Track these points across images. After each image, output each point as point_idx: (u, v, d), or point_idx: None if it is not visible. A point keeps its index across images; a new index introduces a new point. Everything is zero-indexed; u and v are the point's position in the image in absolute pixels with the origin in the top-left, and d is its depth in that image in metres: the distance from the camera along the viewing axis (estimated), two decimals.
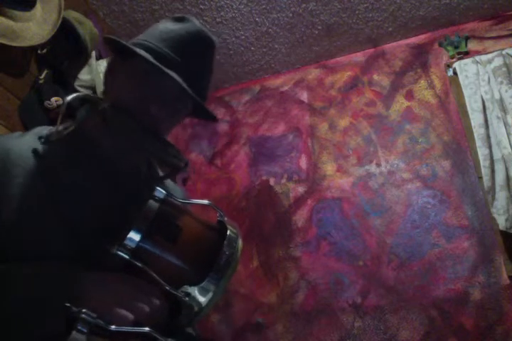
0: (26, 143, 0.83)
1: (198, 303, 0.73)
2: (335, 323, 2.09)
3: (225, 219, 0.83)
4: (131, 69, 0.86)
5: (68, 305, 0.66)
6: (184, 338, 0.76)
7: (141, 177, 0.92)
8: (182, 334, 0.77)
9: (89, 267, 0.73)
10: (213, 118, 0.95)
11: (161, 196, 0.77)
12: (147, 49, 0.84)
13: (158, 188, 0.77)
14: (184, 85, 0.82)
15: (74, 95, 0.89)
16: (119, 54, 0.89)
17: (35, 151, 0.82)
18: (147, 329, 0.69)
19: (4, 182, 0.77)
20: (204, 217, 0.82)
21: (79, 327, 0.66)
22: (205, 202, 0.83)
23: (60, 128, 0.86)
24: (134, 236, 0.72)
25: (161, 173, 0.95)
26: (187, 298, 0.73)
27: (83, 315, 0.66)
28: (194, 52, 0.87)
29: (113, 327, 0.67)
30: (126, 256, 0.71)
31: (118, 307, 0.69)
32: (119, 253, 0.71)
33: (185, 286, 0.75)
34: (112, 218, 0.78)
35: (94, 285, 0.71)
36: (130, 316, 0.69)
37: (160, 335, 0.70)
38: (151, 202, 0.75)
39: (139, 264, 0.72)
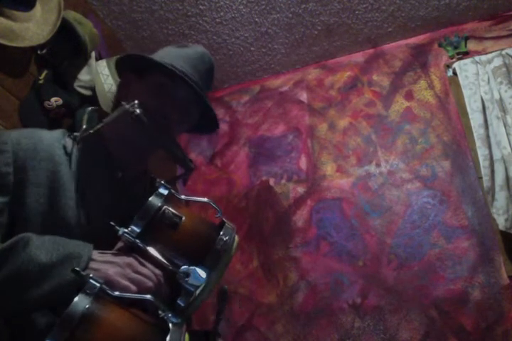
0: (55, 136, 0.96)
1: (195, 286, 0.80)
2: (334, 323, 2.08)
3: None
4: (152, 81, 0.99)
5: (77, 269, 0.72)
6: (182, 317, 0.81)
7: (148, 176, 1.08)
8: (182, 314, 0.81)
9: (97, 247, 0.82)
10: (216, 124, 1.09)
11: (165, 192, 0.86)
12: (166, 64, 0.97)
13: (162, 184, 0.87)
14: (201, 92, 0.98)
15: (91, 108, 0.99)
16: (134, 70, 1.02)
17: (63, 143, 0.94)
18: (149, 296, 0.75)
19: (34, 166, 0.88)
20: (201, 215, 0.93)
21: (86, 290, 0.70)
22: (204, 199, 0.93)
23: (86, 127, 0.97)
24: (139, 222, 0.81)
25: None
26: (186, 279, 0.79)
27: (91, 280, 0.71)
28: (201, 68, 1.03)
29: (117, 293, 0.73)
30: (131, 238, 0.79)
31: (122, 278, 0.77)
32: (125, 235, 0.79)
33: (185, 267, 0.81)
34: (120, 207, 0.90)
35: (101, 258, 0.79)
36: (133, 287, 0.76)
37: (161, 304, 0.77)
38: (156, 195, 0.85)
39: (142, 245, 0.80)
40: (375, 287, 2.09)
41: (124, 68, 1.06)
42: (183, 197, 0.90)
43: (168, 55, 1.03)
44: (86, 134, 0.94)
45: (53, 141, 0.95)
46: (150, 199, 0.83)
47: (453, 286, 1.99)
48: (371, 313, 2.05)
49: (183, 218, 0.85)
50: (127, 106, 0.90)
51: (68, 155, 0.93)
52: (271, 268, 2.29)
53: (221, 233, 0.87)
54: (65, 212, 0.87)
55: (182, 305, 0.80)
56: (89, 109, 1.06)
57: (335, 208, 2.31)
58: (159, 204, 0.84)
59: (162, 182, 0.87)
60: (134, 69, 1.03)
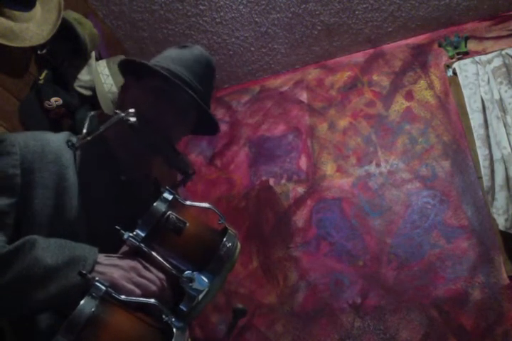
0: (62, 138, 0.97)
1: (198, 291, 0.81)
2: (335, 323, 2.08)
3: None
4: (148, 85, 1.01)
5: (84, 271, 0.73)
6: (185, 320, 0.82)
7: (152, 180, 1.09)
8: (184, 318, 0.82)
9: (102, 250, 0.82)
10: (216, 128, 1.10)
11: (170, 197, 0.87)
12: (161, 68, 0.99)
13: (167, 189, 0.88)
14: (195, 96, 0.97)
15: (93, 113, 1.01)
16: (134, 73, 1.04)
17: (69, 144, 0.96)
18: (153, 300, 0.77)
19: (41, 168, 0.89)
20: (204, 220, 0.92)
21: (92, 293, 0.71)
22: (207, 205, 0.93)
23: (86, 133, 0.98)
24: (144, 226, 0.82)
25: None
26: (189, 284, 0.80)
27: (96, 283, 0.72)
28: (199, 70, 1.03)
29: (123, 296, 0.74)
30: (136, 242, 0.80)
31: (126, 282, 0.77)
32: (130, 239, 0.80)
33: (188, 272, 0.82)
34: (125, 210, 0.90)
35: (106, 261, 0.80)
36: (137, 291, 0.77)
37: (165, 308, 0.78)
38: (161, 200, 0.85)
39: (146, 249, 0.81)
40: (375, 287, 2.09)
41: (126, 72, 1.08)
42: (187, 202, 0.91)
43: (166, 57, 1.05)
44: (84, 141, 0.96)
45: (60, 143, 0.95)
46: (155, 204, 0.84)
47: (453, 286, 1.99)
48: (371, 313, 2.05)
49: (187, 223, 0.85)
50: (122, 115, 0.92)
51: (74, 157, 0.94)
52: (271, 268, 2.29)
53: (224, 239, 0.87)
54: (70, 214, 0.88)
55: (185, 309, 0.81)
56: (91, 114, 1.07)
57: (335, 208, 2.31)
58: (164, 210, 0.84)
59: (167, 187, 0.88)
60: (133, 73, 1.05)
